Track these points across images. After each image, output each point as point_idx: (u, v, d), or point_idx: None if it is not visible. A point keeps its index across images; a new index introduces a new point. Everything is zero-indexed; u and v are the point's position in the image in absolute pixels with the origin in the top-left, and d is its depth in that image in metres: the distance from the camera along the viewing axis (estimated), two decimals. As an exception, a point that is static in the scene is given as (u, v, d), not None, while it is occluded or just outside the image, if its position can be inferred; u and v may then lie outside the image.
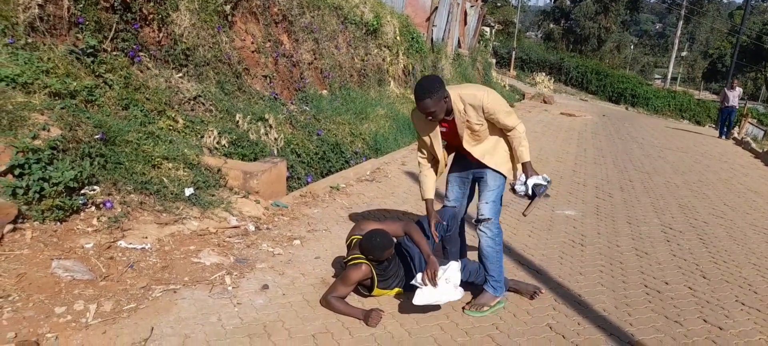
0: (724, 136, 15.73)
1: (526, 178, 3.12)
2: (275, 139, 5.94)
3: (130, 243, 3.38)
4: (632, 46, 56.06)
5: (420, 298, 2.94)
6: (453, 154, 3.42)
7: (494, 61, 23.96)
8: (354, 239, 3.26)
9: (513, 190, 3.31)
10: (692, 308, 3.65)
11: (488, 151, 3.16)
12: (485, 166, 3.18)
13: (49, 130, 3.53)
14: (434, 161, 3.33)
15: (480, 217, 3.17)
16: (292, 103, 7.22)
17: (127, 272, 3.14)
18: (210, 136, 5.12)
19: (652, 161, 9.83)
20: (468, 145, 3.13)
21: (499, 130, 3.14)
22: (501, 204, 3.24)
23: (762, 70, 41.98)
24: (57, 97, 3.97)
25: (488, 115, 2.99)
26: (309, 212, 4.74)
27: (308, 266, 3.65)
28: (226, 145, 5.24)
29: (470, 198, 3.53)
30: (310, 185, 5.53)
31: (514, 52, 32.91)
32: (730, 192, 7.77)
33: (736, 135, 15.08)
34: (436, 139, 3.15)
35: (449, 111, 3.02)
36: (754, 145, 14.15)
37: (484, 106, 2.95)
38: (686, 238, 5.24)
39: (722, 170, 9.78)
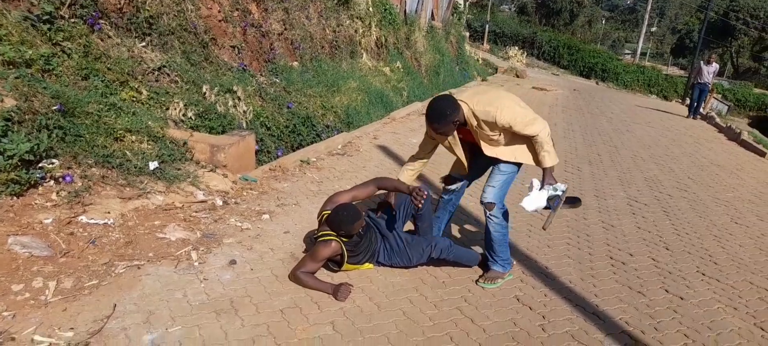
0: (694, 116, 14.59)
1: (542, 186, 3.04)
2: (244, 111, 5.80)
3: (92, 218, 3.27)
4: (604, 21, 56.52)
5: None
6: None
7: (468, 34, 23.82)
8: (325, 213, 3.22)
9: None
10: (655, 279, 3.75)
11: (517, 149, 3.10)
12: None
13: (2, 101, 3.37)
14: (461, 166, 3.36)
15: (483, 199, 3.18)
16: (261, 74, 7.06)
17: (88, 247, 3.05)
18: (175, 109, 4.97)
19: (620, 135, 10.00)
20: (490, 151, 3.10)
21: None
22: (507, 190, 3.22)
23: (728, 46, 42.91)
24: (11, 66, 3.78)
25: (503, 129, 2.93)
26: (278, 186, 4.67)
27: (277, 241, 3.61)
28: (193, 118, 5.09)
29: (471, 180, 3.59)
30: (279, 159, 5.45)
31: (487, 26, 32.82)
32: (694, 166, 7.97)
33: (701, 111, 15.33)
34: (455, 145, 3.15)
35: (464, 123, 2.99)
36: (718, 119, 14.50)
37: (498, 123, 2.88)
38: (651, 210, 5.36)
39: (687, 144, 10.02)
